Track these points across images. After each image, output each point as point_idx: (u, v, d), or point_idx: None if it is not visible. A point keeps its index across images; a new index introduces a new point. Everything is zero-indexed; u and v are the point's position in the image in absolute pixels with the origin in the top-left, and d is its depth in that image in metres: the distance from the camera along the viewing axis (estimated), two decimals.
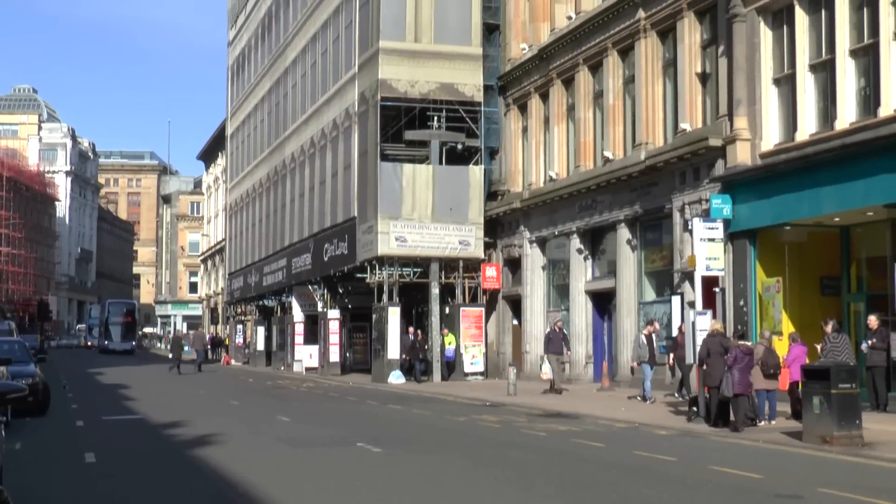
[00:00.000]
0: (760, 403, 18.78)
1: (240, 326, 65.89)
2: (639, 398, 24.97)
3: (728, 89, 24.84)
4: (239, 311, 65.98)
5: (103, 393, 31.07)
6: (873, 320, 20.49)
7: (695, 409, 19.48)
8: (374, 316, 37.85)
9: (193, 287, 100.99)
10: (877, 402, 20.18)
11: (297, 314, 48.88)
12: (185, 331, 70.95)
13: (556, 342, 28.69)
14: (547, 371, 28.97)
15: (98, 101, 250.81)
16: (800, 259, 23.95)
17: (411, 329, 36.93)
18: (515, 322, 37.00)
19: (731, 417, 18.05)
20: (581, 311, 32.45)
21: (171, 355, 50.01)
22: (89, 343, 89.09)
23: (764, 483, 12.24)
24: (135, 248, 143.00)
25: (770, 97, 23.67)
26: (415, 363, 35.64)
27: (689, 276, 24.99)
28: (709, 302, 23.06)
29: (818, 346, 18.88)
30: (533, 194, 35.00)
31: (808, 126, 22.40)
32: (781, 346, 20.63)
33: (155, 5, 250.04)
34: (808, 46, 22.54)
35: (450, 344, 36.00)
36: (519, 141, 37.11)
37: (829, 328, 18.74)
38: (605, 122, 31.32)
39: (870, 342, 20.34)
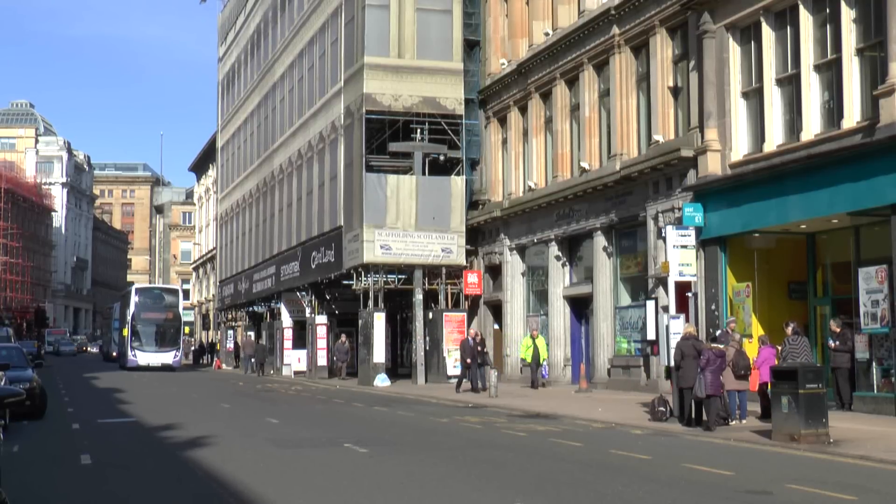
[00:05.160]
0: (731, 403, 19.02)
1: (230, 332, 65.82)
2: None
3: (699, 102, 25.25)
4: (229, 317, 66.05)
5: (98, 397, 30.97)
6: (834, 325, 21.11)
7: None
8: (360, 321, 38.13)
9: (186, 294, 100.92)
10: (841, 402, 20.73)
11: (286, 320, 49.15)
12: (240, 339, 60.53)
13: None
14: None
15: (93, 115, 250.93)
16: (768, 265, 24.36)
17: (472, 332, 33.44)
18: (496, 326, 37.37)
19: (704, 417, 18.33)
20: (559, 315, 32.82)
21: (253, 360, 51.12)
22: (114, 353, 64.31)
23: (735, 480, 12.45)
24: (129, 256, 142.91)
25: (739, 110, 24.05)
26: (474, 369, 30.91)
27: (662, 281, 25.37)
28: (682, 306, 23.49)
29: (778, 348, 19.32)
30: (512, 203, 35.36)
31: (775, 137, 22.83)
32: (751, 349, 21.01)
33: (148, 23, 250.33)
34: (774, 61, 22.98)
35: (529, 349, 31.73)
36: (499, 152, 37.51)
37: (789, 330, 19.18)
38: (581, 134, 31.66)
39: (833, 344, 20.91)
